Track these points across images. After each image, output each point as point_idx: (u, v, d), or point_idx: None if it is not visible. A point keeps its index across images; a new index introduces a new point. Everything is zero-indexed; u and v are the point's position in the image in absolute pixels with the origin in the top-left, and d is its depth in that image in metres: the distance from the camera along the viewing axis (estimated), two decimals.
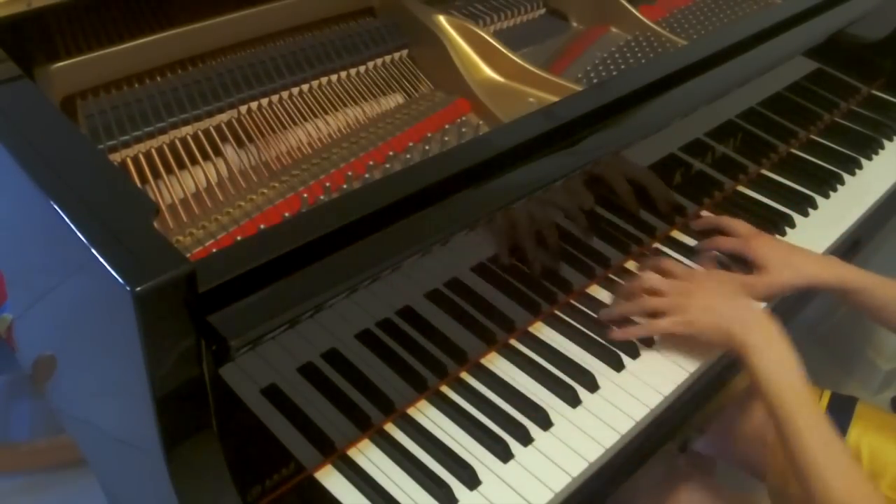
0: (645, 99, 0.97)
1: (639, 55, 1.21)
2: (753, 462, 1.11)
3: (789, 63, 1.18)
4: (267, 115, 0.98)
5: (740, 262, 1.06)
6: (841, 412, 1.05)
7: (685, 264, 1.04)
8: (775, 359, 0.84)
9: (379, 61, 1.10)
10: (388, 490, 0.78)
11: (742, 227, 1.08)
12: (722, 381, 1.01)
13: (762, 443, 1.07)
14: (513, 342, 0.95)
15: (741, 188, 1.24)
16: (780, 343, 0.85)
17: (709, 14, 1.37)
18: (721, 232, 1.10)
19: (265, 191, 0.89)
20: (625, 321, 0.95)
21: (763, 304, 1.01)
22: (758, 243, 1.04)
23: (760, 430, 1.08)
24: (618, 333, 0.94)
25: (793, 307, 1.11)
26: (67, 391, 0.85)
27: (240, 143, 0.95)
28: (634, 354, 0.94)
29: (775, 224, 1.15)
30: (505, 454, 0.82)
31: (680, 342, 0.95)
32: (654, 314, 0.94)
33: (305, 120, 1.00)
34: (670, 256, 1.08)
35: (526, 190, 0.85)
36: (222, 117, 0.96)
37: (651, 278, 0.97)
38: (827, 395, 1.08)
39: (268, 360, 0.71)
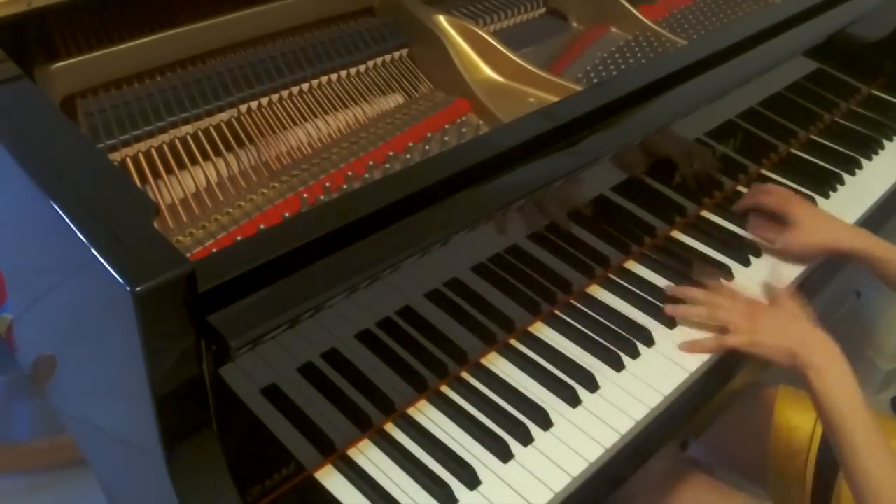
0: (645, 99, 0.97)
1: (639, 55, 1.21)
2: (752, 469, 1.11)
3: (789, 63, 1.18)
4: (267, 115, 0.98)
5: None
6: None
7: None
8: (837, 380, 0.86)
9: (379, 61, 1.09)
10: (388, 490, 0.78)
11: (781, 190, 1.17)
12: (723, 381, 1.00)
13: (762, 450, 1.07)
14: (513, 342, 0.94)
15: (741, 188, 1.24)
16: (842, 365, 0.87)
17: (709, 14, 1.37)
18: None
19: (265, 191, 0.89)
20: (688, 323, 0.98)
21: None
22: (796, 203, 1.13)
23: (760, 437, 1.08)
24: (688, 347, 0.96)
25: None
26: (67, 391, 0.84)
27: (240, 143, 0.95)
28: (634, 354, 0.94)
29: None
30: (505, 454, 0.82)
31: (677, 346, 0.96)
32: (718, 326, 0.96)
33: (305, 120, 1.00)
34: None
35: (526, 190, 0.85)
36: (222, 116, 0.96)
37: (720, 298, 0.98)
38: None
39: (268, 360, 0.71)
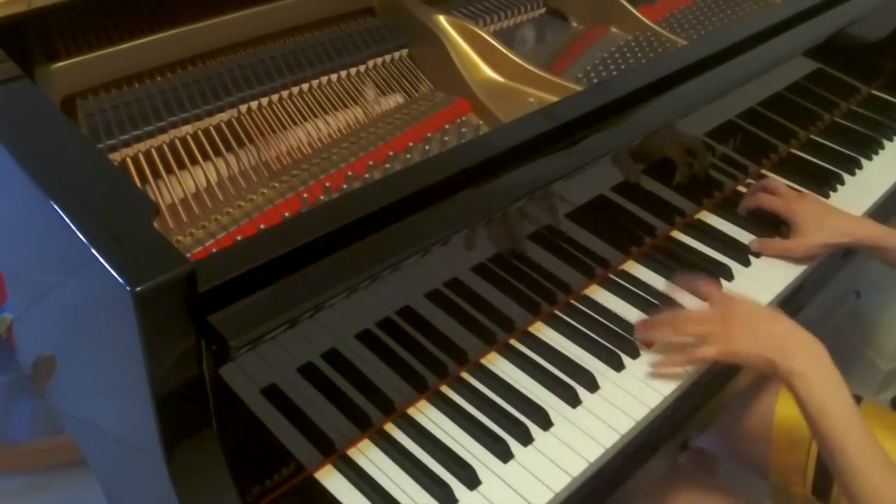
0: (645, 99, 0.97)
1: (639, 55, 1.21)
2: (756, 460, 1.11)
3: (789, 63, 1.18)
4: (267, 115, 0.98)
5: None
6: None
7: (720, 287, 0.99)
8: (824, 385, 0.82)
9: (379, 61, 1.09)
10: (388, 490, 0.78)
11: (783, 189, 1.16)
12: (722, 382, 1.00)
13: (765, 441, 1.07)
14: (513, 342, 0.94)
15: (741, 188, 1.24)
16: (828, 367, 0.83)
17: (709, 14, 1.37)
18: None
19: (265, 191, 0.89)
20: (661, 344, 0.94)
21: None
22: (797, 205, 1.12)
23: (764, 427, 1.08)
24: (660, 368, 0.91)
25: (794, 306, 1.11)
26: (67, 391, 0.84)
27: (240, 143, 0.95)
28: (635, 354, 0.94)
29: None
30: (505, 454, 0.82)
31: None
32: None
33: (305, 120, 1.00)
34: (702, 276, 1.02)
35: (526, 190, 0.85)
36: (222, 117, 0.96)
37: (687, 311, 0.95)
38: None
39: (268, 360, 0.71)
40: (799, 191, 1.23)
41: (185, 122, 0.93)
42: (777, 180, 1.20)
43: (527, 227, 0.91)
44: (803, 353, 0.84)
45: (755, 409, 1.10)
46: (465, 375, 0.90)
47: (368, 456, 0.81)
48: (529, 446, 0.83)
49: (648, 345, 0.95)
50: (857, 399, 1.08)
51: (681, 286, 1.00)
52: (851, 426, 0.80)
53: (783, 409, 1.08)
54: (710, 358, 0.89)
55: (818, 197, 1.20)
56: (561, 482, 0.80)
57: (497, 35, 1.14)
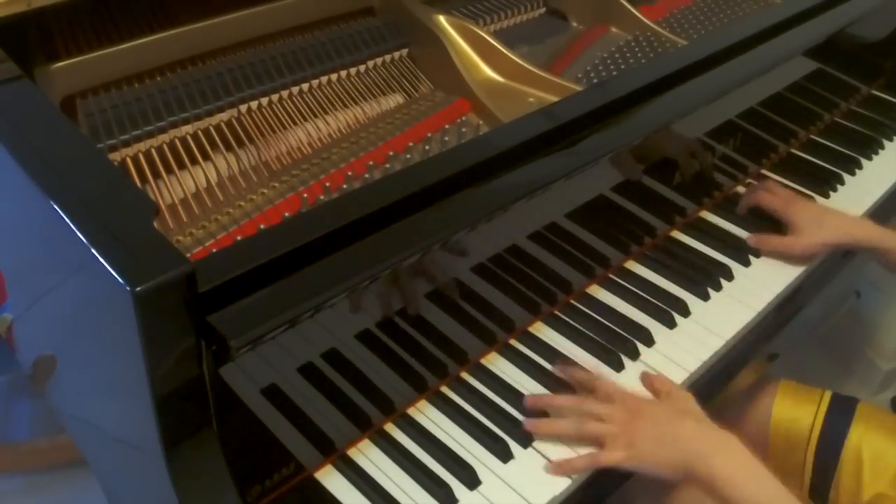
0: (645, 99, 0.97)
1: (639, 55, 1.21)
2: None
3: (789, 63, 1.18)
4: (267, 115, 0.98)
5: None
6: (842, 413, 1.05)
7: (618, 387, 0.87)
8: (749, 480, 0.77)
9: (379, 61, 1.09)
10: (388, 490, 0.78)
11: (781, 190, 1.16)
12: (723, 381, 1.00)
13: (762, 443, 1.07)
14: (513, 342, 0.95)
15: (741, 188, 1.24)
16: (747, 460, 0.78)
17: (709, 14, 1.37)
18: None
19: (265, 191, 0.89)
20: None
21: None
22: (795, 207, 1.12)
23: (760, 430, 1.08)
24: (555, 468, 0.81)
25: (794, 306, 1.11)
26: (67, 391, 0.84)
27: (240, 143, 0.95)
28: (634, 355, 0.94)
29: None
30: (505, 454, 0.82)
31: (677, 346, 0.95)
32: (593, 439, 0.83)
33: (305, 120, 1.00)
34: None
35: (526, 190, 0.85)
36: (222, 116, 0.96)
37: (590, 404, 0.84)
38: (828, 395, 1.08)
39: (268, 360, 0.71)
40: (799, 191, 1.23)
41: (185, 122, 0.93)
42: (775, 182, 1.20)
43: (527, 227, 0.91)
44: (721, 452, 0.78)
45: (752, 413, 1.10)
46: (465, 375, 0.90)
47: (368, 456, 0.81)
48: (529, 447, 0.83)
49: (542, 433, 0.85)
50: (856, 400, 1.08)
51: (573, 377, 0.89)
52: None
53: (780, 412, 1.08)
54: (613, 462, 0.81)
55: (817, 200, 1.21)
56: (561, 483, 0.80)
57: (497, 35, 1.14)
